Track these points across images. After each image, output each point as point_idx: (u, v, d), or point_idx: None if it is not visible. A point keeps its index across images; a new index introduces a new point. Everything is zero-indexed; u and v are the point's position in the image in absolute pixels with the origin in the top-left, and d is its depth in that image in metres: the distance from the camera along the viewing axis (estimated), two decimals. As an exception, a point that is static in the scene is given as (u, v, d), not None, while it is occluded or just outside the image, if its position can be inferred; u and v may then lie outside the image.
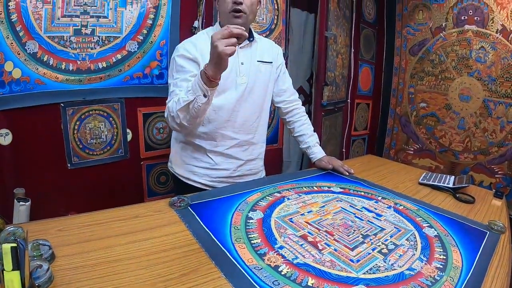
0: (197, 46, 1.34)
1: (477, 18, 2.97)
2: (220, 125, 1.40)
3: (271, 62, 1.51)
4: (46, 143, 1.68)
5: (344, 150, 3.45)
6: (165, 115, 1.29)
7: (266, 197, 1.19)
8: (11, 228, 0.77)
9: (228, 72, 1.35)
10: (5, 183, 1.57)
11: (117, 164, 1.94)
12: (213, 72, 1.08)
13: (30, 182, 1.62)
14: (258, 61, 1.45)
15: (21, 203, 1.47)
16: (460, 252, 0.91)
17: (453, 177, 1.57)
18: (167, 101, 1.32)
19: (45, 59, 1.61)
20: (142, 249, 0.81)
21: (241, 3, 1.29)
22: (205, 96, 1.13)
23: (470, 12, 3.01)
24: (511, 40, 2.80)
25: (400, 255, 0.86)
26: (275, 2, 2.52)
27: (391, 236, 0.96)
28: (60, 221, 0.93)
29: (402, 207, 1.20)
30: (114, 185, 1.93)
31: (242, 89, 1.40)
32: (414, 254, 0.87)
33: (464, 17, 3.05)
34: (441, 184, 1.48)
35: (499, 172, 2.96)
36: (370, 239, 0.93)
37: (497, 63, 2.89)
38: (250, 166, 1.52)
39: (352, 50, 3.34)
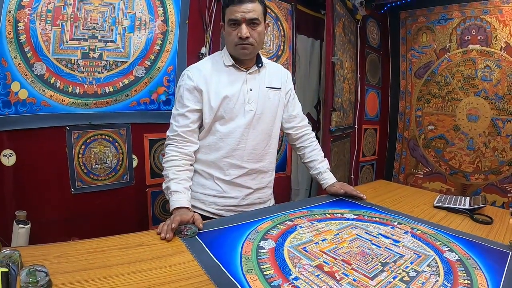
0: (202, 72, 1.33)
1: (480, 37, 3.00)
2: (228, 154, 1.35)
3: (280, 88, 1.47)
4: (50, 166, 1.66)
5: (352, 176, 3.39)
6: (164, 147, 1.36)
7: (278, 225, 1.13)
8: (7, 251, 0.73)
9: (236, 98, 1.33)
10: (6, 204, 1.55)
11: (122, 191, 1.91)
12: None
13: (32, 205, 1.59)
14: (266, 87, 1.42)
15: (20, 225, 1.43)
16: (484, 275, 0.86)
17: (468, 198, 1.53)
18: (168, 132, 1.36)
19: (52, 81, 1.62)
20: (145, 280, 0.76)
21: (247, 38, 1.27)
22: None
23: (473, 32, 3.04)
24: (515, 57, 2.80)
25: (423, 282, 0.81)
26: (281, 28, 2.56)
27: (411, 263, 0.90)
28: (59, 246, 0.89)
29: (420, 231, 1.14)
30: (119, 212, 1.89)
31: (250, 116, 1.36)
32: (437, 281, 0.82)
33: (468, 37, 3.08)
34: (457, 206, 1.43)
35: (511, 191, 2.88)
36: (390, 267, 0.87)
37: (503, 81, 2.90)
38: (259, 194, 1.47)
39: (358, 75, 3.36)
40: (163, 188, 1.29)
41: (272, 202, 1.56)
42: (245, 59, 1.36)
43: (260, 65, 1.41)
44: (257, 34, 1.30)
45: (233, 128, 1.34)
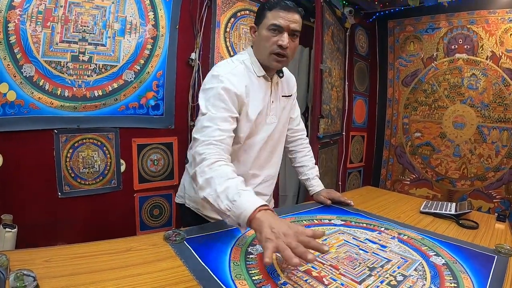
0: (242, 81, 1.22)
1: (467, 47, 3.08)
2: (250, 165, 1.33)
3: (291, 95, 1.47)
4: (37, 169, 1.64)
5: (340, 183, 3.43)
6: (194, 155, 1.09)
7: (266, 231, 1.14)
8: (-5, 255, 0.72)
9: (264, 112, 1.30)
10: (-9, 207, 1.51)
11: (109, 195, 1.89)
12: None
13: (19, 208, 1.57)
14: (282, 96, 1.40)
15: (7, 229, 1.41)
16: (470, 279, 0.87)
17: (454, 203, 1.55)
18: (199, 135, 1.11)
19: (41, 83, 1.60)
20: (133, 286, 0.75)
21: (286, 48, 1.21)
22: (238, 225, 0.95)
23: (460, 41, 3.12)
24: (501, 66, 2.89)
25: (410, 286, 0.82)
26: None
27: (398, 267, 0.91)
28: (47, 251, 0.87)
29: (406, 237, 1.16)
30: (106, 217, 1.87)
31: (271, 128, 1.34)
32: (424, 284, 0.83)
33: (455, 46, 3.16)
34: (443, 211, 1.45)
35: (497, 197, 2.97)
36: (377, 272, 0.88)
37: (488, 89, 2.98)
38: (271, 199, 1.50)
39: (346, 83, 3.40)
40: (208, 195, 0.99)
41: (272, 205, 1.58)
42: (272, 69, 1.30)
43: (281, 74, 1.37)
44: (294, 47, 1.25)
45: (257, 140, 1.31)
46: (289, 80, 1.48)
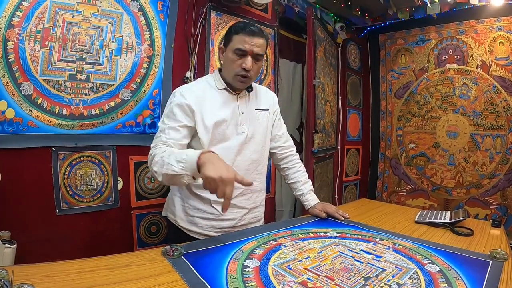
0: (194, 92, 1.34)
1: (457, 57, 3.16)
2: None
3: (268, 110, 1.52)
4: (35, 186, 1.64)
5: (336, 196, 3.43)
6: (148, 160, 1.24)
7: (262, 245, 1.15)
8: (-3, 270, 0.73)
9: (229, 121, 1.36)
10: (-11, 224, 1.50)
11: (107, 213, 1.89)
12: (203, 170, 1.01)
13: (16, 225, 1.56)
14: (256, 109, 1.46)
15: (6, 245, 1.40)
16: (465, 285, 0.88)
17: (448, 212, 1.56)
18: (152, 145, 1.28)
19: (39, 101, 1.62)
20: (133, 300, 0.76)
21: (250, 70, 1.30)
22: (193, 178, 1.09)
23: (450, 52, 3.19)
24: (491, 74, 2.95)
25: (405, 294, 0.83)
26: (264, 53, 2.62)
27: (393, 276, 0.92)
28: (47, 266, 0.88)
29: (401, 246, 1.17)
30: (103, 234, 1.86)
31: (243, 138, 1.39)
32: (419, 292, 0.84)
33: (445, 57, 3.23)
34: (437, 220, 1.46)
35: (493, 203, 2.99)
36: (372, 281, 0.89)
37: (480, 97, 3.03)
38: (254, 214, 1.49)
39: (340, 97, 3.45)
40: (168, 173, 1.10)
41: (263, 220, 1.58)
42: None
43: (250, 89, 1.45)
44: (257, 68, 1.35)
45: (226, 149, 1.35)
46: (264, 95, 1.54)
